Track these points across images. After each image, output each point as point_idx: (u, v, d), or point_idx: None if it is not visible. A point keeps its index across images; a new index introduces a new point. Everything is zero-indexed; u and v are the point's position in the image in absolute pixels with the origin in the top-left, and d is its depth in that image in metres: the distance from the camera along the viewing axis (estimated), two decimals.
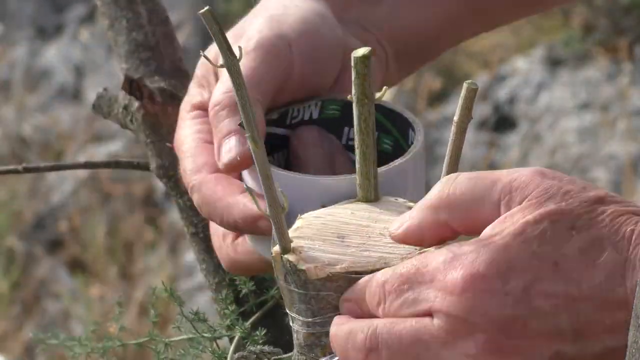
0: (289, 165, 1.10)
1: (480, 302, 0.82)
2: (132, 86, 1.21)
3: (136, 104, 1.23)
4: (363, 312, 0.90)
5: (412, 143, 1.06)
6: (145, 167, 1.25)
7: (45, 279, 4.24)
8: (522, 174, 0.85)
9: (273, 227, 0.95)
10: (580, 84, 4.90)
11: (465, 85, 0.89)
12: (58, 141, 4.97)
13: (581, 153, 4.57)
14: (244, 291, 1.14)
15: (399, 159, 1.04)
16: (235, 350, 1.09)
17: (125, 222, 4.38)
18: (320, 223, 0.98)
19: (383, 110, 1.09)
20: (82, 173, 4.56)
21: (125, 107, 1.25)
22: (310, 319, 0.95)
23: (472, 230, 0.87)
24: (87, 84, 5.57)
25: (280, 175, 1.01)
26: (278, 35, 1.08)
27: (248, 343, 1.10)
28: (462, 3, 1.17)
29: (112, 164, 1.31)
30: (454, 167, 0.92)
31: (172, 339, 1.13)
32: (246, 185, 1.00)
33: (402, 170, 1.03)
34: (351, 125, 0.98)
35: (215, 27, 0.89)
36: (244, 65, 1.00)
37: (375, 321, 0.88)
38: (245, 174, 1.05)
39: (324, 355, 0.96)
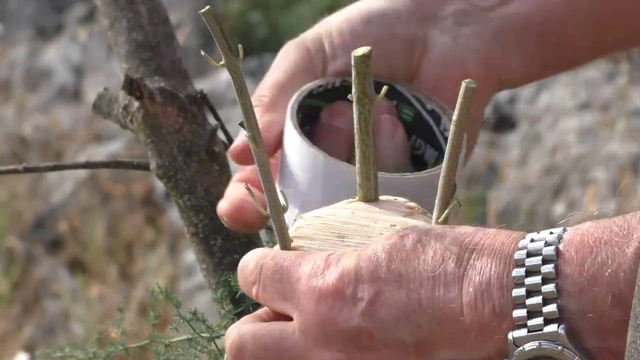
0: (313, 138, 1.10)
1: (332, 314, 0.84)
2: (132, 86, 1.21)
3: (136, 104, 1.22)
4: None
5: (444, 129, 1.07)
6: (145, 167, 1.25)
7: (45, 279, 4.24)
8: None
9: (273, 227, 0.95)
10: (580, 84, 4.90)
11: (463, 84, 0.89)
12: (58, 141, 4.97)
13: (581, 153, 4.57)
14: (240, 291, 1.14)
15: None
16: None
17: (125, 222, 4.38)
18: (320, 223, 0.98)
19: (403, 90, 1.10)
20: (82, 173, 4.56)
21: (125, 107, 1.24)
22: None
23: None
24: (87, 84, 5.56)
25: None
26: (316, 34, 1.14)
27: None
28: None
29: (112, 164, 1.31)
30: (453, 167, 0.92)
31: (172, 340, 1.13)
32: (246, 185, 1.00)
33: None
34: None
35: (216, 26, 0.89)
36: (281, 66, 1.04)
37: (243, 327, 0.90)
38: None
39: None
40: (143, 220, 4.38)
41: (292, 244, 0.95)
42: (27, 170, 1.28)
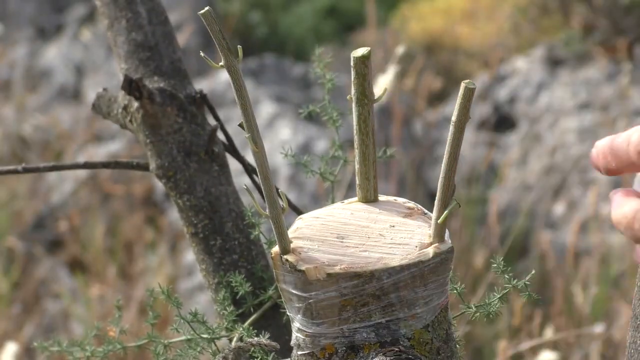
0: None
1: None
2: (131, 86, 1.21)
3: (135, 104, 1.22)
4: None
5: None
6: (144, 168, 1.25)
7: (45, 279, 4.24)
8: None
9: (273, 228, 0.95)
10: (580, 84, 4.89)
11: (463, 84, 0.89)
12: (58, 141, 4.97)
13: (581, 153, 4.57)
14: (241, 292, 1.14)
15: None
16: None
17: (125, 222, 4.38)
18: (319, 224, 0.98)
19: None
20: (82, 173, 4.55)
21: (125, 108, 1.24)
22: (310, 320, 0.95)
23: None
24: (87, 84, 5.56)
25: None
26: None
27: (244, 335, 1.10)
28: None
29: (112, 164, 1.31)
30: (452, 167, 0.92)
31: (171, 341, 1.13)
32: (245, 185, 1.00)
33: None
34: None
35: (215, 27, 0.89)
36: None
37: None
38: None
39: (324, 356, 0.96)
40: (143, 220, 4.38)
41: (292, 245, 0.95)
42: (26, 170, 1.28)
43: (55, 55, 5.86)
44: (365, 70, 0.94)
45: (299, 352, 0.97)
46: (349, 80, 0.98)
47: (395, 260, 0.94)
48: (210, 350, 1.12)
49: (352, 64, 0.94)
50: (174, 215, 4.15)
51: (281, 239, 0.94)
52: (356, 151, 0.98)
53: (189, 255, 3.93)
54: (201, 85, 4.26)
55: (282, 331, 1.14)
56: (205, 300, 3.67)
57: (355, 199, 1.01)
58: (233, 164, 1.27)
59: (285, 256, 0.95)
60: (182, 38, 4.61)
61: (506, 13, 5.90)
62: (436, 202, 0.94)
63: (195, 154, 1.21)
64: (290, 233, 0.96)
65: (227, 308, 1.13)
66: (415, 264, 0.94)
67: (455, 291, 1.05)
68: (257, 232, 1.16)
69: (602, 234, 3.88)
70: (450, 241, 0.97)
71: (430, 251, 0.95)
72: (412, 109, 4.78)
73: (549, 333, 3.01)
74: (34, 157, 4.81)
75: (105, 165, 1.32)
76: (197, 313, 1.12)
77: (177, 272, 4.06)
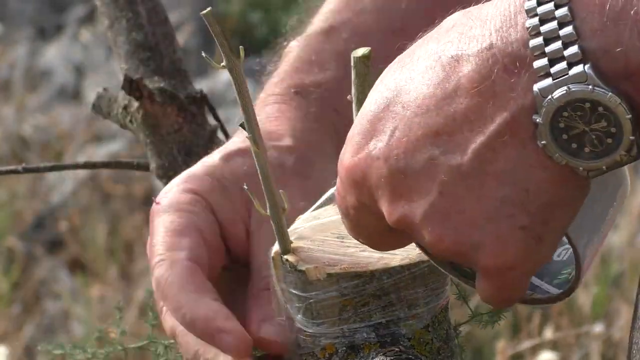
0: None
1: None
2: (131, 86, 1.21)
3: (136, 104, 1.22)
4: None
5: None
6: (145, 168, 1.25)
7: (45, 279, 4.24)
8: None
9: (274, 228, 0.95)
10: None
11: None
12: (58, 141, 4.97)
13: None
14: None
15: None
16: None
17: (125, 222, 4.38)
18: (319, 223, 0.98)
19: None
20: (82, 173, 4.55)
21: (125, 107, 1.24)
22: (310, 320, 0.95)
23: None
24: (87, 84, 5.56)
25: None
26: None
27: None
28: None
29: (112, 164, 1.31)
30: None
31: (172, 341, 1.13)
32: (246, 186, 1.00)
33: None
34: None
35: (217, 27, 0.89)
36: None
37: None
38: None
39: (324, 357, 0.96)
40: (143, 220, 4.38)
41: (292, 245, 0.95)
42: (26, 170, 1.29)
43: (55, 55, 5.87)
44: (365, 70, 0.94)
45: (299, 352, 0.97)
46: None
47: (395, 260, 0.94)
48: None
49: (352, 64, 0.94)
50: None
51: (282, 239, 0.94)
52: None
53: None
54: (201, 85, 4.25)
55: None
56: None
57: None
58: None
59: (285, 256, 0.95)
60: (182, 38, 4.62)
61: None
62: None
63: (196, 154, 1.21)
64: (290, 233, 0.96)
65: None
66: (415, 264, 0.94)
67: (461, 298, 1.05)
68: None
69: None
70: None
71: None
72: None
73: (548, 333, 3.02)
74: (34, 157, 4.81)
75: (106, 165, 1.32)
76: None
77: None
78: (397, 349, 0.95)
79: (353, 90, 0.96)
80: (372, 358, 0.95)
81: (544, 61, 0.74)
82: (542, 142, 0.75)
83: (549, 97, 0.74)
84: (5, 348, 2.97)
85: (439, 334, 0.97)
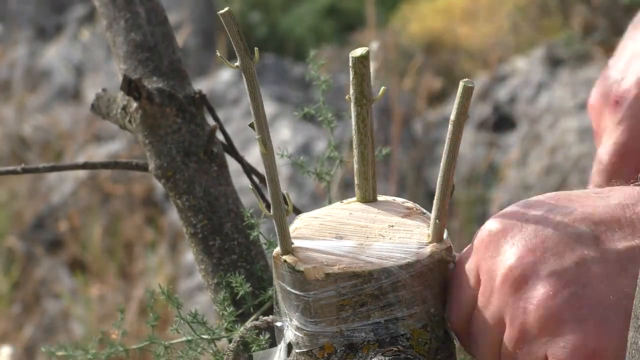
0: None
1: None
2: (130, 87, 1.21)
3: (135, 104, 1.22)
4: None
5: None
6: (144, 168, 1.25)
7: (45, 279, 4.24)
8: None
9: (275, 229, 0.95)
10: (580, 84, 4.89)
11: (461, 84, 0.89)
12: (58, 141, 4.97)
13: (581, 153, 4.57)
14: (241, 293, 1.14)
15: None
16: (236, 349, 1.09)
17: (125, 222, 4.38)
18: (318, 224, 0.98)
19: None
20: (82, 173, 4.56)
21: (124, 108, 1.24)
22: (308, 319, 0.95)
23: None
24: (87, 84, 5.56)
25: None
26: None
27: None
28: None
29: (112, 164, 1.31)
30: (451, 166, 0.92)
31: (172, 342, 1.13)
32: (250, 186, 1.00)
33: None
34: None
35: (234, 28, 0.89)
36: None
37: None
38: None
39: (323, 356, 0.96)
40: (143, 220, 4.38)
41: (292, 246, 0.95)
42: (26, 171, 1.28)
43: (55, 55, 5.87)
44: (363, 70, 0.94)
45: (297, 351, 0.97)
46: (348, 81, 0.98)
47: (393, 260, 0.94)
48: (211, 351, 1.12)
49: (350, 64, 0.94)
50: (174, 216, 4.15)
51: (283, 240, 0.94)
52: (355, 151, 0.98)
53: (189, 256, 3.93)
54: (201, 85, 4.26)
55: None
56: (205, 300, 3.67)
57: (354, 198, 1.01)
58: (232, 164, 1.27)
59: (284, 256, 0.95)
60: (182, 38, 4.61)
61: (506, 13, 5.90)
62: (435, 201, 0.94)
63: (195, 154, 1.21)
64: (290, 233, 0.96)
65: (227, 309, 1.13)
66: (413, 264, 0.94)
67: None
68: (256, 233, 1.16)
69: None
70: (449, 241, 0.97)
71: (428, 251, 0.95)
72: (412, 109, 4.79)
73: None
74: (34, 157, 4.81)
75: (105, 165, 1.32)
76: (197, 314, 1.12)
77: (177, 272, 4.06)
78: (395, 349, 0.95)
79: (351, 91, 0.96)
80: (371, 358, 0.95)
81: None
82: None
83: None
84: (10, 348, 2.97)
85: (437, 334, 0.98)
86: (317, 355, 0.96)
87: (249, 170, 1.27)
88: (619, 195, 0.89)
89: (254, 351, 1.06)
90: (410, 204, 1.00)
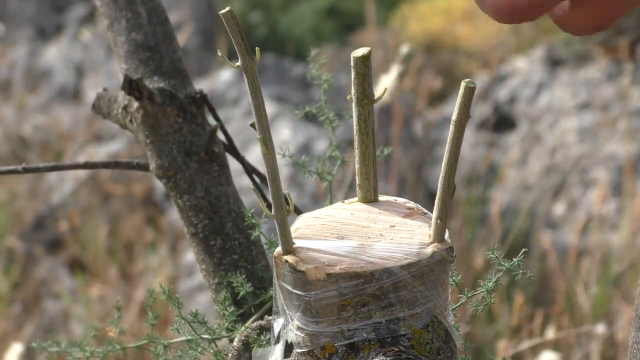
0: None
1: None
2: (131, 86, 1.21)
3: (135, 104, 1.22)
4: None
5: None
6: (144, 168, 1.25)
7: (45, 279, 4.24)
8: None
9: (277, 229, 0.95)
10: (580, 84, 4.89)
11: (463, 84, 0.89)
12: (58, 141, 4.97)
13: (581, 153, 4.57)
14: (242, 293, 1.14)
15: None
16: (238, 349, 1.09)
17: (125, 222, 4.38)
18: (319, 224, 0.98)
19: None
20: (82, 173, 4.56)
21: (125, 108, 1.24)
22: (309, 319, 0.95)
23: None
24: (87, 84, 5.56)
25: None
26: None
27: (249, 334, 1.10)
28: None
29: (112, 164, 1.31)
30: (452, 166, 0.92)
31: (171, 341, 1.13)
32: (252, 185, 1.00)
33: None
34: None
35: (235, 27, 0.89)
36: None
37: None
38: None
39: (324, 357, 0.96)
40: (143, 220, 4.38)
41: (293, 246, 0.95)
42: (26, 170, 1.28)
43: (55, 55, 5.86)
44: (365, 71, 0.94)
45: (299, 350, 0.97)
46: (349, 81, 0.98)
47: (395, 261, 0.94)
48: (212, 351, 1.12)
49: (352, 64, 0.94)
50: (174, 216, 4.15)
51: (284, 240, 0.94)
52: (356, 151, 0.98)
53: (189, 256, 3.93)
54: (201, 85, 4.26)
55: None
56: (206, 300, 3.67)
57: (355, 199, 1.01)
58: (233, 164, 1.27)
59: (285, 257, 0.95)
60: (182, 38, 4.61)
61: None
62: (436, 201, 0.94)
63: (196, 154, 1.21)
64: (291, 232, 0.96)
65: (228, 308, 1.13)
66: (415, 264, 0.94)
67: (453, 282, 1.04)
68: (257, 233, 1.16)
69: (602, 234, 3.88)
70: (450, 241, 0.97)
71: (430, 251, 0.95)
72: (412, 109, 4.79)
73: (549, 333, 3.01)
74: (34, 157, 4.81)
75: (105, 165, 1.32)
76: (197, 313, 1.12)
77: (177, 272, 4.06)
78: (396, 349, 0.95)
79: (353, 90, 0.96)
80: (372, 358, 0.94)
81: None
82: None
83: None
84: (21, 345, 2.96)
85: (439, 334, 0.97)
86: (318, 355, 0.96)
87: (249, 170, 1.27)
88: None
89: (254, 350, 1.06)
90: (411, 204, 1.00)
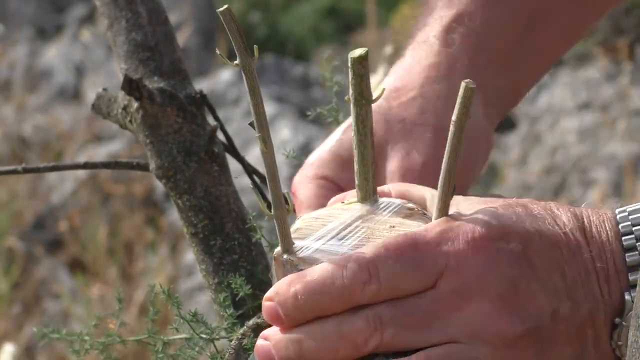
0: None
1: (491, 261, 0.87)
2: (131, 86, 1.21)
3: (135, 104, 1.22)
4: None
5: None
6: (144, 168, 1.25)
7: (45, 279, 4.24)
8: None
9: (276, 228, 0.95)
10: (580, 84, 4.89)
11: (463, 84, 0.89)
12: (58, 141, 4.97)
13: (581, 153, 4.57)
14: (241, 294, 1.14)
15: None
16: (236, 350, 1.09)
17: (125, 222, 4.38)
18: (319, 224, 0.98)
19: None
20: (82, 173, 4.55)
21: (125, 108, 1.24)
22: None
23: None
24: (87, 84, 5.56)
25: None
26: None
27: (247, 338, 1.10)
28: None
29: (112, 164, 1.31)
30: (452, 166, 0.92)
31: (171, 338, 1.13)
32: (252, 185, 1.00)
33: None
34: None
35: (233, 25, 0.88)
36: None
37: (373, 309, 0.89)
38: None
39: None
40: (143, 220, 4.38)
41: (293, 245, 0.95)
42: (26, 170, 1.28)
43: (55, 55, 5.87)
44: (362, 71, 0.94)
45: None
46: (347, 81, 0.98)
47: None
48: (209, 354, 1.12)
49: (349, 64, 0.94)
50: (174, 216, 4.15)
51: (284, 239, 0.94)
52: (355, 152, 0.98)
53: (189, 256, 3.93)
54: (201, 85, 4.26)
55: None
56: (205, 300, 3.67)
57: (355, 199, 1.01)
58: (233, 164, 1.27)
59: (285, 256, 0.95)
60: (182, 38, 4.61)
61: None
62: (436, 201, 0.94)
63: (195, 154, 1.21)
64: (292, 232, 0.96)
65: (227, 310, 1.13)
66: None
67: None
68: (259, 236, 1.16)
69: None
70: None
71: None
72: None
73: None
74: (34, 157, 4.81)
75: (105, 165, 1.32)
76: (197, 313, 1.12)
77: (177, 273, 4.06)
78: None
79: (350, 91, 0.96)
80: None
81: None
82: (619, 342, 0.87)
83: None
84: (12, 345, 2.97)
85: None
86: None
87: (249, 170, 1.27)
88: None
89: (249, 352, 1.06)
90: (411, 204, 1.00)
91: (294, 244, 0.95)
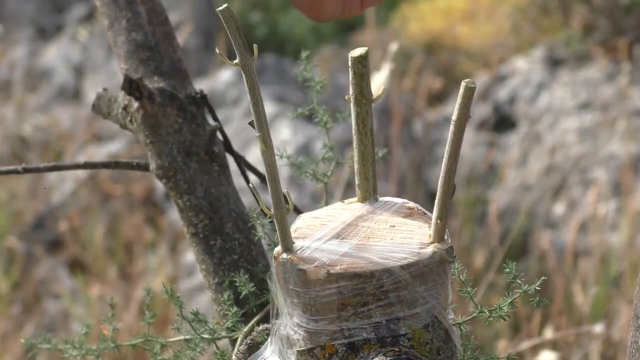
0: None
1: None
2: (131, 86, 1.21)
3: (135, 104, 1.22)
4: None
5: None
6: (144, 168, 1.25)
7: (45, 279, 4.24)
8: None
9: (276, 227, 0.95)
10: (580, 84, 4.89)
11: (463, 84, 0.89)
12: (58, 141, 4.97)
13: (581, 153, 4.57)
14: (244, 292, 1.14)
15: None
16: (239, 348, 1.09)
17: (125, 222, 4.38)
18: (319, 224, 0.98)
19: None
20: (82, 173, 4.55)
21: (125, 108, 1.24)
22: (310, 318, 0.95)
23: None
24: (87, 84, 5.56)
25: None
26: None
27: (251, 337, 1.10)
28: None
29: (112, 164, 1.31)
30: (452, 166, 0.92)
31: (169, 340, 1.13)
32: (251, 185, 1.00)
33: None
34: None
35: (233, 25, 0.89)
36: None
37: None
38: None
39: (324, 357, 0.96)
40: (143, 220, 4.38)
41: (293, 245, 0.95)
42: (26, 170, 1.28)
43: (55, 55, 5.86)
44: (362, 70, 0.94)
45: (298, 349, 0.97)
46: (348, 80, 0.98)
47: (395, 260, 0.94)
48: (212, 352, 1.12)
49: (349, 64, 0.94)
50: (174, 215, 4.15)
51: (284, 238, 0.94)
52: (355, 151, 0.98)
53: (189, 256, 3.93)
54: (201, 85, 4.26)
55: None
56: (206, 300, 3.67)
57: (355, 199, 1.01)
58: (233, 164, 1.27)
59: (286, 255, 0.95)
60: (182, 38, 4.61)
61: (506, 13, 5.90)
62: (436, 202, 0.94)
63: (195, 154, 1.21)
64: (292, 232, 0.96)
65: (231, 309, 1.13)
66: (415, 264, 0.94)
67: (467, 294, 1.04)
68: (261, 234, 1.16)
69: (602, 234, 3.88)
70: (450, 241, 0.97)
71: (430, 251, 0.95)
72: (412, 109, 4.79)
73: (548, 333, 3.02)
74: (34, 157, 4.81)
75: (105, 165, 1.32)
76: (198, 313, 1.12)
77: (177, 272, 4.06)
78: (397, 349, 0.95)
79: (351, 90, 0.96)
80: (372, 358, 0.95)
81: None
82: None
83: None
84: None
85: (439, 334, 0.97)
86: (318, 355, 0.96)
87: (245, 170, 1.27)
88: None
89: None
90: (411, 204, 1.00)
91: (294, 243, 0.95)
